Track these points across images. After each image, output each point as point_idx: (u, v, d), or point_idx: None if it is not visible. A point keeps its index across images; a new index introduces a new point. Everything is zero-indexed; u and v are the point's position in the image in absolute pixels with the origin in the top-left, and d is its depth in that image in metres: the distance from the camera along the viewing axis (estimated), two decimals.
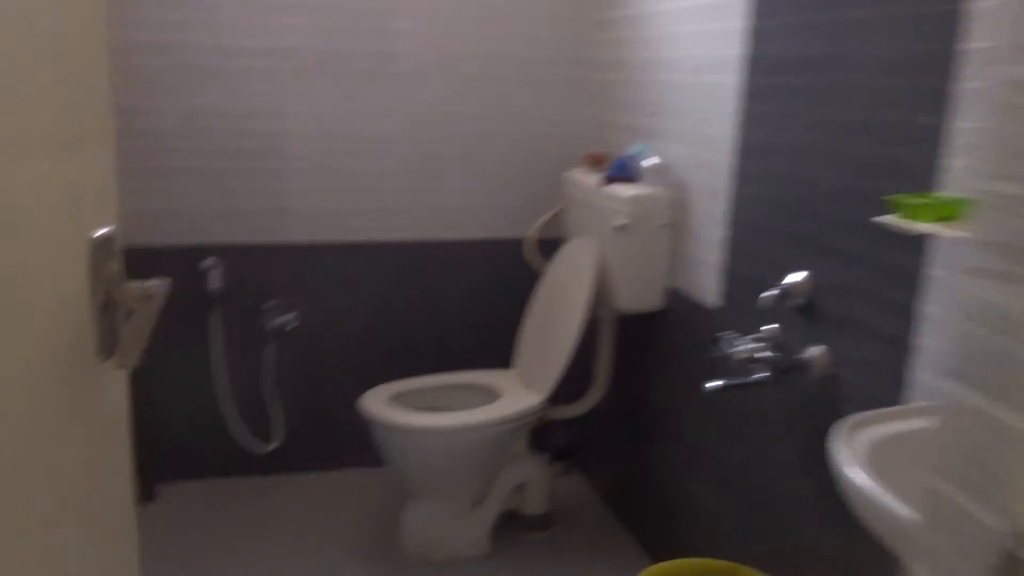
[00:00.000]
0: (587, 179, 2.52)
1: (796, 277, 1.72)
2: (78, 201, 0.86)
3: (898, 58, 1.45)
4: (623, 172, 2.35)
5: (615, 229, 2.27)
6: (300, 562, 2.46)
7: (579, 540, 2.62)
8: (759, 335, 1.83)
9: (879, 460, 1.12)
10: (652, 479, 2.49)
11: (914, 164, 1.40)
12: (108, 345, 0.91)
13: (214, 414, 2.81)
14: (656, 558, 2.38)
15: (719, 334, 1.89)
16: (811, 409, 1.72)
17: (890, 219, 1.29)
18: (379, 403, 2.42)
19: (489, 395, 2.54)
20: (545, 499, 2.65)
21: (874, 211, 1.41)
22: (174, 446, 2.79)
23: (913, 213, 1.27)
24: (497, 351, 2.81)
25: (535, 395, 2.49)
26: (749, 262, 1.95)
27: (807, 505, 1.75)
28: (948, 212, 1.23)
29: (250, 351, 2.80)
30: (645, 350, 2.50)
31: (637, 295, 2.35)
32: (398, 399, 2.50)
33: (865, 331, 1.55)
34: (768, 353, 1.76)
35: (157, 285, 0.92)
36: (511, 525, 2.61)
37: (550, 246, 2.77)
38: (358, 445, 2.71)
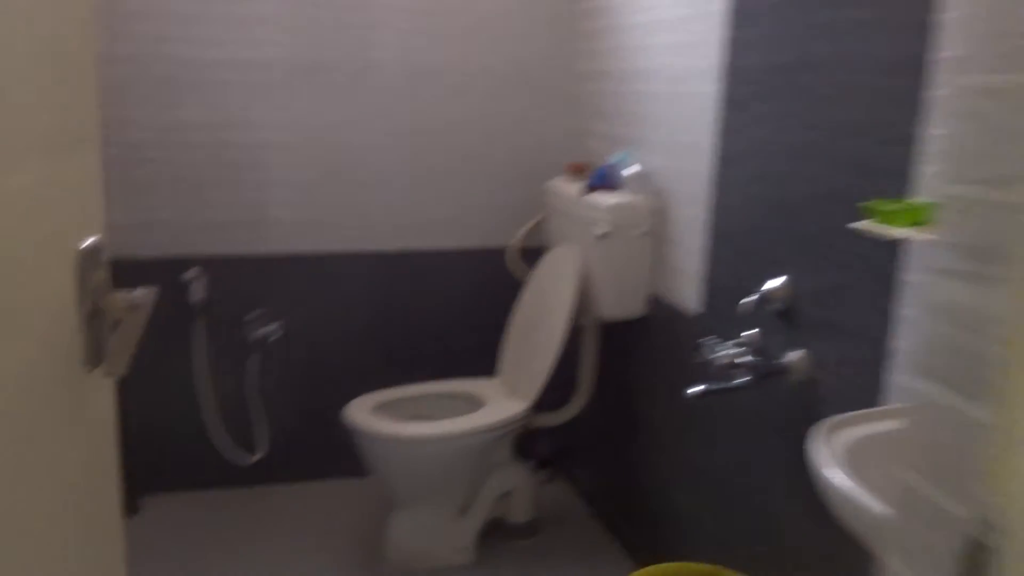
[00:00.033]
0: (569, 188, 2.54)
1: (775, 283, 1.75)
2: (65, 211, 0.86)
3: (873, 66, 1.49)
4: (604, 181, 2.38)
5: (597, 237, 2.29)
6: (284, 573, 2.45)
7: (564, 547, 2.63)
8: (740, 340, 1.85)
9: (857, 460, 1.15)
10: (636, 485, 2.50)
11: (889, 170, 1.43)
12: (95, 355, 0.91)
13: (198, 426, 2.80)
14: (640, 563, 2.39)
15: (700, 340, 1.92)
16: (791, 412, 1.74)
17: (865, 224, 1.32)
18: (363, 413, 2.42)
19: (473, 403, 2.55)
20: (530, 506, 2.66)
21: (850, 217, 1.44)
22: (158, 458, 2.78)
23: (888, 218, 1.30)
24: (481, 359, 2.82)
25: (519, 403, 2.50)
26: (729, 269, 1.97)
27: (789, 507, 1.77)
28: (921, 217, 1.26)
29: (233, 362, 2.80)
30: (628, 357, 2.52)
31: (619, 303, 2.37)
32: (382, 408, 2.50)
33: (843, 335, 1.58)
34: (749, 358, 1.78)
35: (144, 294, 0.93)
36: (496, 533, 2.62)
37: (533, 255, 2.79)
38: (342, 455, 2.71)
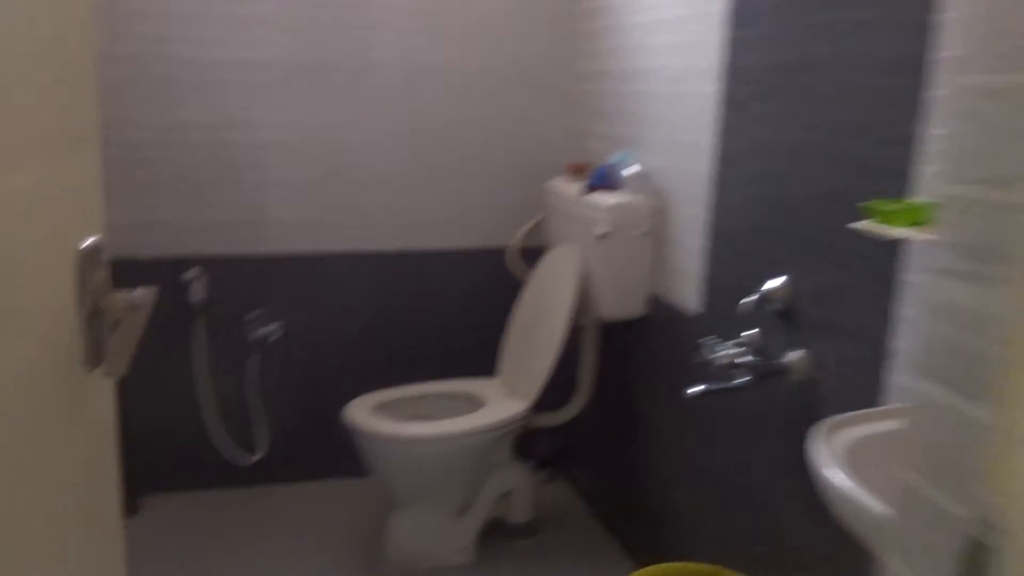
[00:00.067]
0: (569, 188, 2.54)
1: (775, 283, 1.75)
2: (65, 211, 0.87)
3: (873, 66, 1.49)
4: (604, 181, 2.38)
5: (597, 237, 2.29)
6: (285, 574, 2.45)
7: (564, 547, 2.63)
8: (740, 340, 1.85)
9: (857, 460, 1.15)
10: (636, 485, 2.50)
11: (889, 170, 1.43)
12: (95, 355, 0.91)
13: (198, 426, 2.80)
14: (640, 563, 2.40)
15: (700, 340, 1.92)
16: (791, 412, 1.74)
17: (865, 224, 1.32)
18: (363, 413, 2.43)
19: (473, 403, 2.55)
20: (530, 506, 2.66)
21: (850, 217, 1.44)
22: (158, 458, 2.78)
23: (888, 218, 1.30)
24: (481, 359, 2.82)
25: (519, 403, 2.50)
26: (729, 269, 1.97)
27: (789, 507, 1.77)
28: (921, 217, 1.26)
29: (233, 362, 2.80)
30: (628, 357, 2.52)
31: (619, 303, 2.37)
32: (382, 409, 2.50)
33: (843, 335, 1.58)
34: (749, 358, 1.78)
35: (143, 294, 0.93)
36: (496, 533, 2.62)
37: (533, 255, 2.79)
38: (342, 455, 2.71)
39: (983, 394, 0.57)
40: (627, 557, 2.56)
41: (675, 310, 2.22)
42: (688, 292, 2.15)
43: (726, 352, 1.82)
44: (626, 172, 2.33)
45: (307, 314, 2.83)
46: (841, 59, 1.56)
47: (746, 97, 1.87)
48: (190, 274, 2.68)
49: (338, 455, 2.80)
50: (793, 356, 1.71)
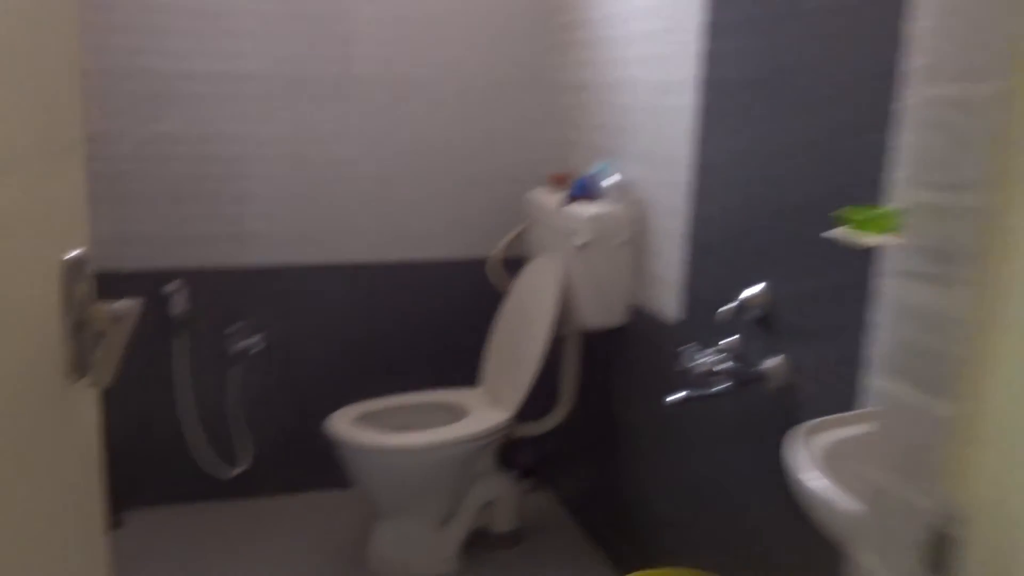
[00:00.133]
0: (549, 199, 2.56)
1: (753, 290, 1.77)
2: (50, 223, 0.87)
3: (846, 77, 1.52)
4: (584, 191, 2.40)
5: (577, 247, 2.31)
6: None
7: (548, 556, 2.63)
8: (720, 347, 1.87)
9: (834, 462, 1.17)
10: (619, 493, 2.52)
11: (863, 178, 1.46)
12: (80, 366, 0.92)
13: (180, 439, 2.79)
14: (624, 570, 2.40)
15: (681, 348, 1.94)
16: (771, 418, 1.77)
17: (839, 232, 1.34)
18: (346, 424, 2.43)
19: (456, 413, 2.56)
20: (513, 516, 2.67)
21: (826, 224, 1.47)
22: (140, 472, 2.76)
23: (862, 226, 1.32)
24: (463, 369, 2.83)
25: (502, 412, 2.51)
26: (709, 277, 2.00)
27: (771, 512, 1.79)
28: (893, 223, 1.28)
29: (215, 375, 2.79)
30: (609, 366, 2.54)
31: (600, 312, 2.39)
32: (365, 419, 2.51)
33: (820, 340, 1.61)
34: (729, 364, 1.81)
35: (128, 305, 0.93)
36: (480, 543, 2.62)
37: (515, 265, 2.80)
38: (325, 467, 2.70)
39: (946, 391, 0.60)
40: (610, 565, 2.57)
41: (655, 319, 2.25)
42: (668, 300, 2.17)
43: (706, 359, 1.84)
44: (606, 182, 2.35)
45: (289, 326, 2.83)
46: (815, 70, 1.59)
47: (723, 108, 1.90)
48: (171, 287, 2.67)
49: (321, 467, 2.80)
50: (771, 363, 1.73)
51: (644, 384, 2.34)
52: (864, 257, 1.45)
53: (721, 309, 1.82)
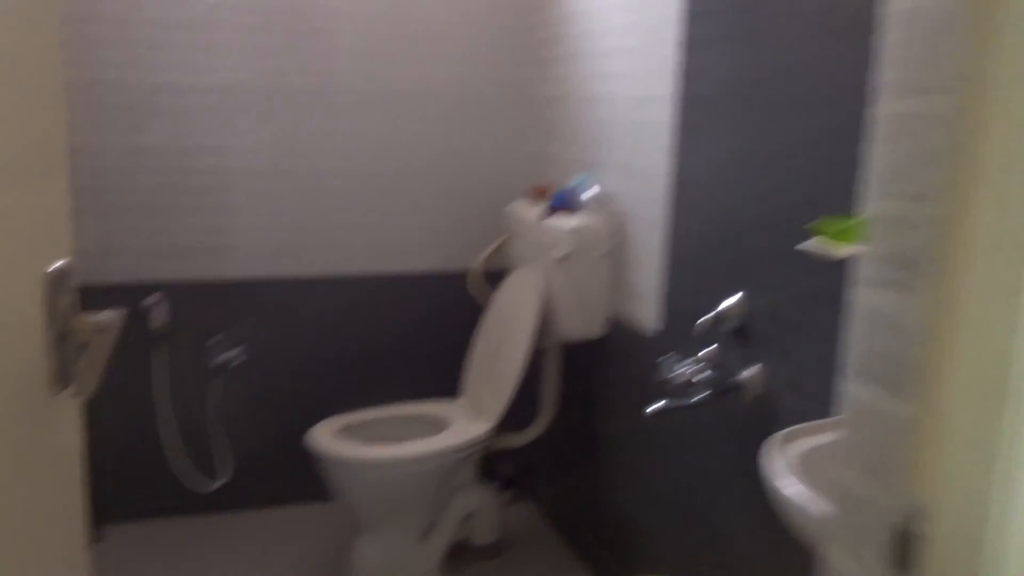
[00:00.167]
0: (529, 211, 2.59)
1: (730, 301, 1.80)
2: (34, 235, 0.88)
3: (819, 91, 1.55)
4: (564, 203, 2.42)
5: (557, 260, 2.34)
6: None
7: (529, 567, 2.64)
8: (698, 358, 1.90)
9: (809, 468, 1.19)
10: (600, 503, 2.53)
11: (837, 190, 1.49)
12: (63, 377, 0.92)
13: (160, 453, 2.77)
14: None
15: (660, 358, 1.96)
16: (748, 427, 1.79)
17: (813, 244, 1.37)
18: (327, 436, 2.43)
19: (437, 425, 2.57)
20: (495, 528, 2.67)
21: (801, 235, 1.50)
22: (121, 486, 2.74)
23: (835, 236, 1.35)
24: (444, 382, 2.84)
25: (483, 424, 2.52)
26: (687, 288, 2.02)
27: (750, 519, 1.81)
28: (864, 234, 1.31)
29: (196, 388, 2.78)
30: (590, 377, 2.56)
31: (580, 323, 2.41)
32: (346, 432, 2.51)
33: (796, 349, 1.63)
34: (707, 374, 1.83)
35: (112, 316, 0.94)
36: (461, 555, 2.63)
37: (495, 277, 2.82)
38: (306, 480, 2.70)
39: (908, 393, 0.62)
40: (592, 575, 2.58)
41: (635, 330, 2.27)
42: (647, 312, 2.19)
43: (685, 370, 1.87)
44: (585, 195, 2.38)
45: (270, 339, 2.83)
46: (789, 85, 1.63)
47: (699, 122, 1.93)
48: (151, 299, 2.66)
49: (302, 479, 2.79)
50: (748, 372, 1.76)
51: (624, 395, 2.36)
52: (838, 267, 1.48)
53: (699, 321, 1.84)
